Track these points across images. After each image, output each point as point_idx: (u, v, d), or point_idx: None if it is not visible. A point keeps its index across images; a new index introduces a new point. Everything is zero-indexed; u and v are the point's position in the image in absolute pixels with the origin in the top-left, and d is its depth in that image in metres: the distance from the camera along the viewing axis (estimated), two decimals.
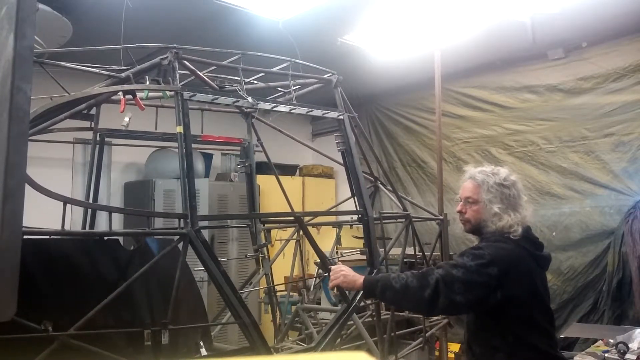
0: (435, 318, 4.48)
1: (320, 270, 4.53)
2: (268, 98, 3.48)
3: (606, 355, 3.63)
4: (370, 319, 4.06)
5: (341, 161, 3.62)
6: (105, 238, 2.68)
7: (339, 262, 3.71)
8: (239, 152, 4.75)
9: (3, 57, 1.31)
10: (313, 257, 5.83)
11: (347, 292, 3.26)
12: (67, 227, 2.28)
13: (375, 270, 3.25)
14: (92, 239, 2.76)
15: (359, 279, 2.50)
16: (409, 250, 4.05)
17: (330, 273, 2.58)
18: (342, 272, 2.54)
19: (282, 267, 4.98)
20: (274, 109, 3.24)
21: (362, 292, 2.59)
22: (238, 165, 4.26)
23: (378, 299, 2.41)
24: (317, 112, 3.46)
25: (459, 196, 2.57)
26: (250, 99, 3.03)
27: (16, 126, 1.27)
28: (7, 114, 1.26)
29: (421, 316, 4.10)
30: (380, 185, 4.48)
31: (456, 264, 2.30)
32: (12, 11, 1.29)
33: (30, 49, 1.32)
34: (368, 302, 3.61)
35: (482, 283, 2.23)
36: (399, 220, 4.13)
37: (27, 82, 1.30)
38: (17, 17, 1.28)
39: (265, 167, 4.72)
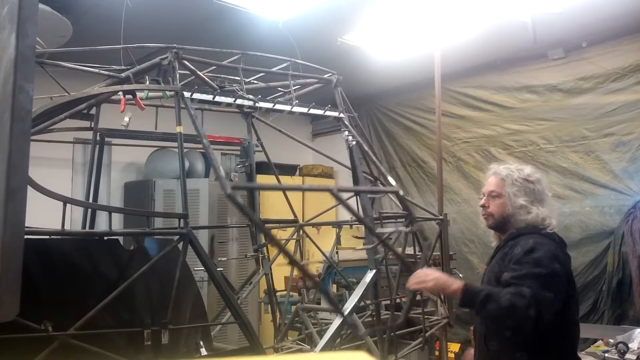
0: (435, 317, 4.49)
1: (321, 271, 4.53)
2: (268, 98, 3.48)
3: (606, 355, 3.63)
4: (370, 319, 4.06)
5: (341, 161, 3.62)
6: (105, 238, 2.67)
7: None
8: (239, 152, 4.75)
9: (5, 57, 1.31)
10: (313, 257, 5.84)
11: (346, 292, 3.26)
12: (67, 227, 2.28)
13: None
14: (92, 239, 2.76)
15: (454, 283, 2.30)
16: (409, 250, 4.05)
17: (416, 275, 2.38)
18: (432, 276, 2.34)
19: (282, 267, 4.98)
20: (274, 108, 3.25)
21: (457, 298, 2.45)
22: (238, 165, 4.26)
23: (475, 308, 2.24)
24: (317, 111, 3.46)
25: (483, 191, 2.58)
26: (250, 99, 3.03)
27: (18, 125, 1.26)
28: (10, 113, 1.26)
29: (421, 316, 4.09)
30: (380, 185, 4.48)
31: (534, 274, 2.20)
32: (14, 10, 1.29)
33: (33, 48, 1.32)
34: (368, 302, 3.61)
35: (561, 287, 2.24)
36: (399, 220, 4.12)
37: (29, 82, 1.30)
38: (19, 16, 1.27)
39: (265, 167, 4.72)
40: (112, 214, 2.46)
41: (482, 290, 2.27)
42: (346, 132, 3.53)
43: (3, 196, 1.26)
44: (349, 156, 3.56)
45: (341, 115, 3.52)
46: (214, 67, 3.32)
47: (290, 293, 4.56)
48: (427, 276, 2.35)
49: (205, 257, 2.61)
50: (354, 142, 3.49)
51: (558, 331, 2.27)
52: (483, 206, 2.52)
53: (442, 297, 4.56)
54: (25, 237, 2.05)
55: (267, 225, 4.24)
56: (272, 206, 6.04)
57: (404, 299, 4.42)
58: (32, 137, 2.43)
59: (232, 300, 2.68)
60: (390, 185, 4.46)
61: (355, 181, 3.54)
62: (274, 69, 3.50)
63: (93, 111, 3.05)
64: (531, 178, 2.47)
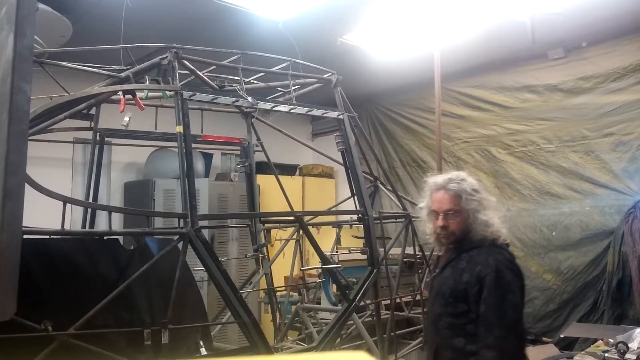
0: None
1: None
2: (268, 98, 3.49)
3: (606, 355, 3.63)
4: (370, 319, 4.06)
5: (341, 161, 3.63)
6: (105, 238, 2.68)
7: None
8: (239, 152, 4.75)
9: (3, 57, 1.31)
10: (313, 257, 5.84)
11: (347, 292, 3.26)
12: (67, 227, 2.29)
13: None
14: (92, 238, 2.77)
15: None
16: (409, 250, 4.06)
17: None
18: None
19: (282, 267, 4.98)
20: (273, 108, 3.25)
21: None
22: (238, 165, 4.27)
23: None
24: (316, 112, 3.46)
25: (433, 209, 2.41)
26: (250, 99, 3.03)
27: (16, 126, 1.27)
28: (7, 113, 1.26)
29: (421, 316, 4.10)
30: (380, 185, 4.49)
31: (501, 323, 2.20)
32: (12, 11, 1.29)
33: (30, 49, 1.32)
34: (368, 301, 3.61)
35: (521, 315, 2.29)
36: (398, 220, 4.13)
37: (27, 82, 1.30)
38: (17, 16, 1.28)
39: (265, 167, 4.72)
40: (112, 213, 2.46)
41: None
42: (338, 136, 3.53)
43: (1, 196, 1.26)
44: (342, 160, 3.57)
45: (340, 117, 3.52)
46: (214, 67, 3.32)
47: (290, 293, 4.57)
48: None
49: (205, 256, 2.61)
50: (343, 148, 3.50)
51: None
52: (443, 227, 2.37)
53: None
54: (26, 237, 2.05)
55: (267, 225, 4.23)
56: (272, 206, 6.04)
57: (404, 299, 4.43)
58: (32, 137, 2.44)
59: (232, 300, 2.68)
60: (390, 184, 4.47)
61: (352, 185, 3.54)
62: (273, 69, 3.50)
63: (93, 111, 3.06)
64: (478, 187, 2.41)
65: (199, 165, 6.06)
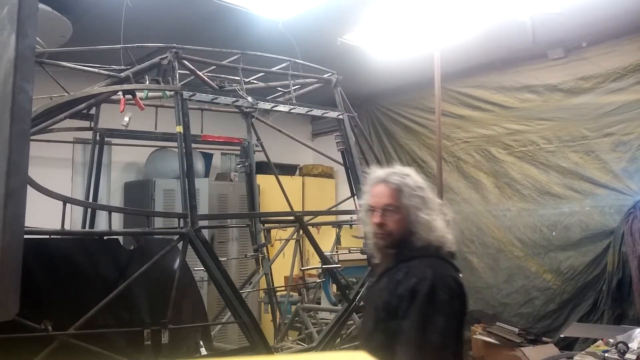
0: None
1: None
2: (268, 98, 3.49)
3: (606, 355, 3.63)
4: None
5: (341, 161, 3.63)
6: (105, 238, 2.68)
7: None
8: (239, 152, 4.75)
9: (5, 57, 1.31)
10: (313, 257, 5.84)
11: (347, 292, 3.26)
12: (67, 227, 2.28)
13: None
14: (92, 238, 2.77)
15: None
16: None
17: None
18: None
19: (282, 267, 4.98)
20: (273, 108, 3.25)
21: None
22: (238, 165, 4.27)
23: None
24: (316, 112, 3.46)
25: (371, 204, 2.08)
26: (250, 99, 3.03)
27: (18, 126, 1.27)
28: (9, 113, 1.26)
29: None
30: None
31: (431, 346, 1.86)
32: (14, 11, 1.29)
33: (32, 49, 1.32)
34: None
35: (450, 331, 1.91)
36: None
37: (28, 82, 1.30)
38: (18, 16, 1.28)
39: (265, 167, 4.72)
40: (112, 213, 2.46)
41: None
42: (338, 136, 3.53)
43: (3, 196, 1.26)
44: (342, 160, 3.57)
45: (340, 117, 3.52)
46: (214, 67, 3.32)
47: (290, 293, 4.57)
48: None
49: (205, 256, 2.61)
50: (343, 148, 3.50)
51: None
52: (379, 224, 2.03)
53: None
54: (26, 236, 2.05)
55: (267, 225, 4.23)
56: (272, 206, 6.04)
57: None
58: (32, 137, 2.44)
59: (232, 299, 2.68)
60: None
61: (352, 185, 3.54)
62: (273, 69, 3.50)
63: (93, 111, 3.06)
64: (422, 184, 2.10)
65: (199, 165, 6.06)
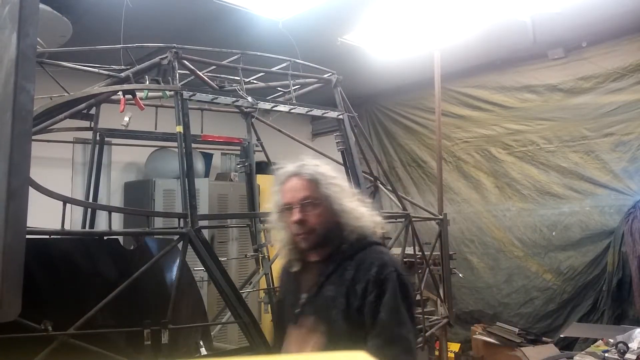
0: (435, 317, 4.49)
1: None
2: (268, 98, 3.48)
3: (606, 355, 3.63)
4: None
5: (341, 161, 3.63)
6: (105, 238, 2.68)
7: None
8: (239, 152, 4.75)
9: (6, 57, 1.31)
10: None
11: None
12: (67, 227, 2.28)
13: None
14: (92, 238, 2.76)
15: None
16: (409, 250, 4.05)
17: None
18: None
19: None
20: (273, 108, 3.25)
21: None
22: (238, 165, 4.26)
23: None
24: (316, 112, 3.46)
25: (286, 202, 1.87)
26: (250, 99, 3.03)
27: (20, 125, 1.27)
28: (11, 113, 1.26)
29: (421, 316, 4.09)
30: (380, 185, 4.49)
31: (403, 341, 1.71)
32: (15, 10, 1.29)
33: (33, 48, 1.32)
34: None
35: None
36: (398, 220, 4.13)
37: (30, 81, 1.30)
38: (20, 16, 1.28)
39: (265, 167, 4.72)
40: (112, 213, 2.46)
41: None
42: (338, 136, 3.53)
43: (4, 196, 1.26)
44: (342, 160, 3.57)
45: (340, 117, 3.52)
46: (214, 67, 3.32)
47: None
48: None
49: (205, 256, 2.61)
50: (343, 148, 3.49)
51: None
52: (300, 221, 1.82)
53: (442, 296, 4.56)
54: (26, 236, 2.05)
55: (267, 224, 4.22)
56: None
57: None
58: (32, 137, 2.43)
59: (232, 299, 2.68)
60: (390, 184, 4.47)
61: (353, 183, 3.54)
62: (273, 69, 3.50)
63: (93, 111, 3.05)
64: (333, 173, 1.91)
65: (199, 165, 6.06)
